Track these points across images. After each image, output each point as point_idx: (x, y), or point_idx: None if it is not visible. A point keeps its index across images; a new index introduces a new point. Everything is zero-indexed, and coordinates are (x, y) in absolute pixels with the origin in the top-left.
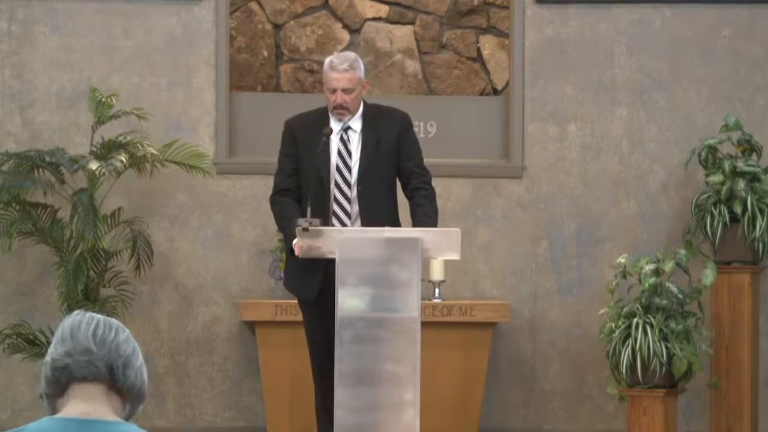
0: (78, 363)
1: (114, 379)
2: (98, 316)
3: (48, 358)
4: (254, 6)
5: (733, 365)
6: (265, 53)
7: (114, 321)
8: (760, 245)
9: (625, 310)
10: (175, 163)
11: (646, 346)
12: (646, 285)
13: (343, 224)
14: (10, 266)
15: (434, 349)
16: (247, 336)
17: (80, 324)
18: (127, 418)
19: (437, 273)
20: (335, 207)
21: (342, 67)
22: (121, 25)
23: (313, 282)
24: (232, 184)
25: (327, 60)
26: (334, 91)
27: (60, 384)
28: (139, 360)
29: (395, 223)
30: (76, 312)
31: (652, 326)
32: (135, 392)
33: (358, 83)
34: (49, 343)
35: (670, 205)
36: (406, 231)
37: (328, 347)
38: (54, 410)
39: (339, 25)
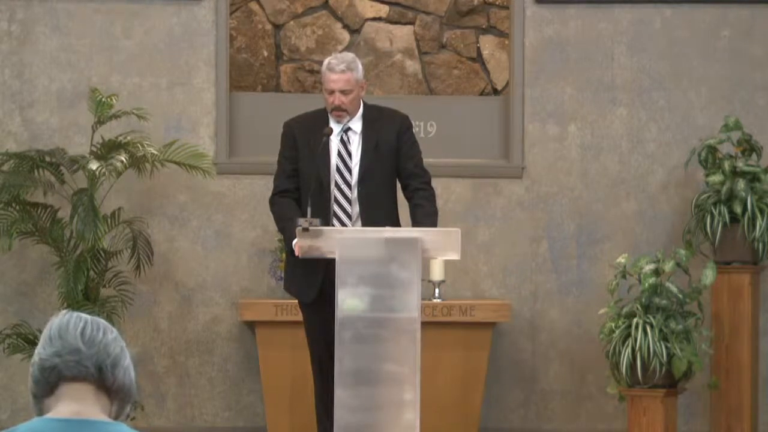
0: (67, 363)
1: (103, 379)
2: (85, 315)
3: (36, 358)
4: (254, 6)
5: (733, 365)
6: (265, 53)
7: (101, 321)
8: (760, 245)
9: (625, 310)
10: (175, 163)
11: (646, 346)
12: (646, 285)
13: (344, 225)
14: (10, 266)
15: (434, 349)
16: (247, 336)
17: (68, 324)
18: (115, 418)
19: (437, 273)
20: (336, 208)
21: (339, 68)
22: (121, 25)
23: (313, 284)
24: (232, 184)
25: (325, 61)
26: (331, 92)
27: (49, 384)
28: (127, 359)
29: (395, 223)
30: (63, 312)
31: (652, 326)
32: (124, 392)
33: (356, 84)
34: None
35: (670, 205)
36: (406, 231)
37: (328, 348)
38: (41, 410)
39: (339, 25)
